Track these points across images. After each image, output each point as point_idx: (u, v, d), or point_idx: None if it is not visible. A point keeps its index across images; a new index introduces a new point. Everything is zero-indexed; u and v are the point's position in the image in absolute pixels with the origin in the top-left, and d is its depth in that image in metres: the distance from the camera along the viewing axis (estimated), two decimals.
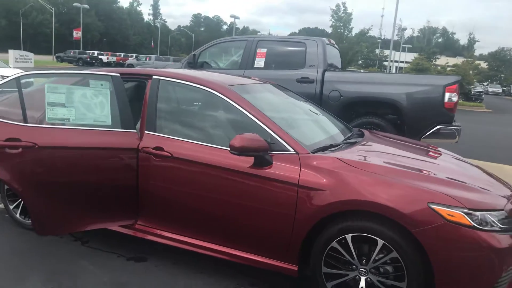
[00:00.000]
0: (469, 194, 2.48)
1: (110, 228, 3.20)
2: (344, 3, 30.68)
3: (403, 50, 64.27)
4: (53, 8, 55.74)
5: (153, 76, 3.25)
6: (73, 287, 2.78)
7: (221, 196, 2.83)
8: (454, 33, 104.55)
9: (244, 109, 2.92)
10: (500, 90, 52.63)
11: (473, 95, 28.11)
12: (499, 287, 2.37)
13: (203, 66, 6.92)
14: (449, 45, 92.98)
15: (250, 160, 2.72)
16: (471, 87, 27.18)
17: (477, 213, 2.35)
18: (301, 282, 2.90)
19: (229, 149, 2.67)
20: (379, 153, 3.10)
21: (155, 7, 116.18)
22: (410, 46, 70.51)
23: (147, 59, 37.99)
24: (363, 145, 3.22)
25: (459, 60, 33.10)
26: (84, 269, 3.01)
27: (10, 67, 15.55)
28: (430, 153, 3.48)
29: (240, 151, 2.62)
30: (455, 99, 5.60)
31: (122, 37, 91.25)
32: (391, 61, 55.14)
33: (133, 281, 2.89)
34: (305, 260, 2.74)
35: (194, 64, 6.84)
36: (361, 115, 6.14)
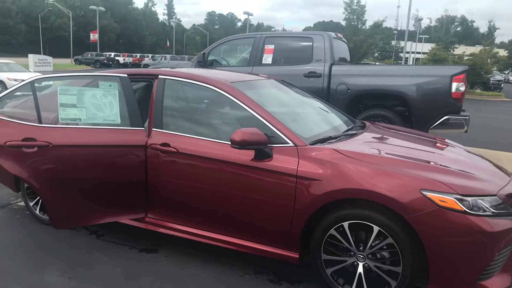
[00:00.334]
0: (461, 181, 2.56)
1: (122, 222, 3.37)
2: None
3: (420, 41, 63.22)
4: (70, 12, 56.86)
5: (159, 76, 3.40)
6: (88, 276, 2.96)
7: (224, 188, 2.97)
8: (473, 21, 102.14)
9: (245, 104, 3.04)
10: None
11: (492, 84, 27.54)
12: (492, 269, 2.44)
13: (212, 64, 7.07)
14: (468, 34, 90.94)
15: (251, 153, 2.85)
16: (489, 76, 26.62)
17: (469, 199, 2.42)
18: (303, 269, 3.02)
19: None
20: (377, 143, 3.19)
21: (170, 7, 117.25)
22: (427, 36, 69.28)
23: (163, 59, 38.46)
24: (362, 136, 3.31)
25: (478, 49, 32.45)
26: (99, 260, 3.19)
27: (30, 71, 16.04)
28: (431, 143, 3.53)
29: (241, 144, 2.75)
30: (462, 89, 5.60)
31: (138, 38, 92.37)
32: (407, 52, 54.29)
33: (144, 271, 3.06)
34: (306, 248, 2.85)
35: (203, 63, 7.00)
36: (369, 107, 6.20)
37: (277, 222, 2.82)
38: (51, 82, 4.19)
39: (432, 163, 2.77)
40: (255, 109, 3.00)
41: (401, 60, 35.20)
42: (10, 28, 69.55)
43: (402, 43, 56.01)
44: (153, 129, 3.26)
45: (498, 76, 30.32)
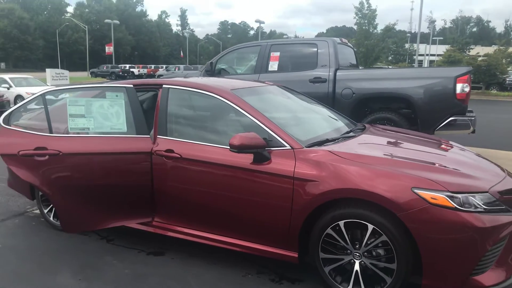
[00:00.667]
0: (453, 178, 2.62)
1: (130, 226, 3.52)
2: (367, 0, 30.48)
3: (434, 43, 62.63)
4: (87, 26, 58.29)
5: (163, 86, 3.56)
6: (98, 278, 3.11)
7: (225, 191, 3.09)
8: (489, 21, 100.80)
9: (244, 110, 3.16)
10: None
11: (508, 84, 27.13)
12: (485, 264, 2.49)
13: (220, 73, 7.24)
14: (485, 34, 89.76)
15: (251, 157, 2.96)
16: (505, 76, 26.24)
17: (459, 196, 2.49)
18: (304, 269, 3.10)
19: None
20: (373, 144, 3.27)
21: (183, 18, 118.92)
22: (442, 38, 68.60)
23: (176, 69, 39.01)
24: (360, 138, 3.39)
25: (494, 49, 32.04)
26: (108, 263, 3.34)
27: (48, 85, 16.51)
28: (428, 143, 3.59)
29: (239, 148, 2.87)
30: (467, 89, 5.63)
31: (152, 49, 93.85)
32: (421, 55, 53.66)
33: (150, 272, 3.19)
34: (305, 247, 2.94)
35: (211, 72, 7.17)
36: (375, 111, 6.27)
37: (276, 223, 2.92)
38: (66, 94, 4.41)
39: (425, 162, 2.85)
40: (254, 115, 3.12)
41: (416, 63, 34.89)
42: (29, 44, 71.48)
43: (416, 46, 55.61)
44: (158, 136, 3.41)
45: None
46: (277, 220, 2.91)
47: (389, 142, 3.44)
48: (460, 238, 2.44)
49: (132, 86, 3.52)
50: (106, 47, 48.37)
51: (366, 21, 31.07)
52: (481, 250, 2.44)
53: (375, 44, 31.56)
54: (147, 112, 3.74)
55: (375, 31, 32.54)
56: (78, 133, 3.39)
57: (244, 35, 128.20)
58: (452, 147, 3.58)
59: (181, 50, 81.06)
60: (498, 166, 3.24)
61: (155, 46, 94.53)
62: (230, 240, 3.17)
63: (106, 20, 52.09)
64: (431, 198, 2.48)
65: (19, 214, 4.46)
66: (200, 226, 3.30)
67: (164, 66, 52.01)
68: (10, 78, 16.41)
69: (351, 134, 3.52)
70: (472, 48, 52.86)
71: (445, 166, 2.82)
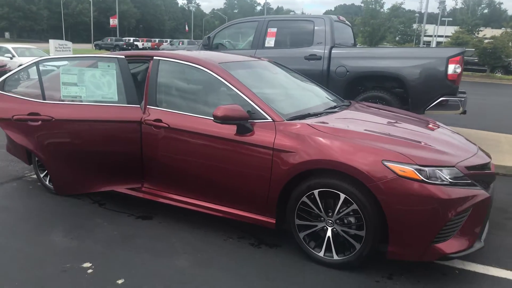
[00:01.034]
0: (422, 153, 2.76)
1: (119, 191, 3.70)
2: None
3: (443, 24, 61.52)
4: None
5: (154, 57, 3.68)
6: (88, 238, 3.30)
7: (210, 160, 3.24)
8: (501, 3, 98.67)
9: (229, 83, 3.29)
10: None
11: None
12: (446, 233, 2.65)
13: (218, 47, 7.31)
14: (496, 16, 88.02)
15: (234, 128, 3.10)
16: (510, 59, 25.97)
17: (426, 169, 2.63)
18: (282, 235, 3.28)
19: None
20: (352, 120, 3.39)
21: None
22: (451, 19, 67.39)
23: (180, 44, 38.80)
24: (341, 114, 3.52)
25: (503, 31, 31.58)
26: (99, 225, 3.53)
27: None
28: (408, 120, 3.70)
29: (222, 119, 3.01)
30: (458, 70, 5.69)
31: (157, 23, 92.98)
32: (430, 36, 52.75)
33: (138, 234, 3.38)
34: (283, 215, 3.11)
35: (209, 46, 7.23)
36: (368, 89, 6.35)
37: (256, 191, 3.09)
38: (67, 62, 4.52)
39: (398, 137, 2.98)
40: (239, 88, 3.25)
41: (424, 44, 34.48)
42: (34, 13, 70.99)
43: (425, 26, 54.63)
44: (147, 106, 3.55)
45: None
46: (257, 188, 3.08)
47: (368, 118, 3.56)
48: (424, 208, 2.59)
49: (123, 57, 3.64)
50: (111, 20, 47.97)
51: (373, 0, 30.61)
52: (442, 220, 2.60)
53: (381, 24, 31.18)
54: (142, 83, 3.86)
55: (382, 10, 32.09)
56: (70, 101, 3.53)
57: (251, 11, 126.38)
58: (430, 124, 3.70)
59: (186, 24, 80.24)
60: (474, 144, 3.38)
61: (160, 19, 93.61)
62: (213, 206, 3.34)
63: None
64: (400, 170, 2.62)
65: (17, 178, 4.66)
66: (185, 192, 3.47)
67: (169, 40, 51.61)
68: (13, 48, 16.46)
69: (335, 109, 3.64)
70: (481, 30, 51.95)
71: (417, 141, 2.95)
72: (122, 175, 3.58)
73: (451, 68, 5.66)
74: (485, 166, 3.03)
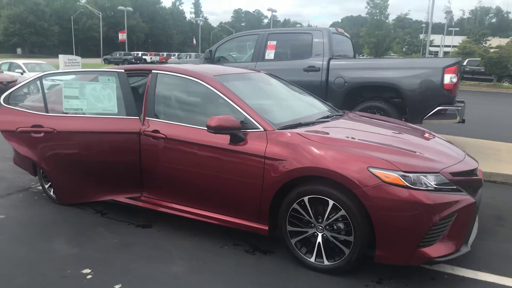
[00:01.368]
0: (407, 159, 2.85)
1: (119, 200, 3.83)
2: None
3: (450, 34, 61.46)
4: (100, 13, 58.74)
5: (152, 71, 3.83)
6: (89, 245, 3.42)
7: (205, 169, 3.36)
8: (509, 12, 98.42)
9: (223, 94, 3.42)
10: None
11: None
12: (431, 237, 2.73)
13: (220, 60, 7.48)
14: (504, 26, 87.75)
15: (228, 138, 3.22)
16: None
17: (411, 175, 2.72)
18: (276, 242, 3.37)
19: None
20: (343, 129, 3.50)
21: (197, 5, 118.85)
22: (458, 29, 67.39)
23: (188, 57, 39.34)
24: (333, 123, 3.63)
25: (510, 40, 31.48)
26: (100, 234, 3.65)
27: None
28: (399, 129, 3.79)
29: (215, 129, 3.13)
30: (454, 80, 5.78)
31: (165, 37, 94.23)
32: (437, 46, 52.65)
33: (136, 242, 3.49)
34: (275, 222, 3.21)
35: (211, 59, 7.41)
36: (367, 99, 6.45)
37: (249, 198, 3.19)
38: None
39: (385, 145, 3.07)
40: (232, 99, 3.38)
41: (431, 54, 34.50)
42: (45, 30, 72.43)
43: (431, 37, 54.59)
44: (146, 117, 3.69)
45: None
46: (250, 196, 3.18)
47: (359, 127, 3.66)
48: (409, 213, 2.67)
49: (123, 71, 3.80)
50: (119, 34, 48.78)
51: (377, 11, 30.82)
52: (427, 225, 2.67)
53: (386, 35, 31.33)
54: (143, 96, 4.02)
55: (387, 21, 32.27)
56: (72, 113, 3.69)
57: (258, 24, 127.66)
58: (419, 132, 3.79)
59: (194, 38, 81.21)
60: (462, 151, 3.46)
61: (169, 33, 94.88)
62: (208, 214, 3.45)
63: (120, 7, 52.42)
64: (385, 176, 2.71)
65: (23, 189, 4.81)
66: (182, 201, 3.59)
67: (176, 54, 52.33)
68: (23, 64, 16.92)
69: (327, 119, 3.75)
70: (488, 40, 51.74)
71: (403, 148, 3.05)
72: (122, 185, 3.71)
73: (447, 78, 5.75)
74: (471, 172, 3.11)
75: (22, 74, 15.91)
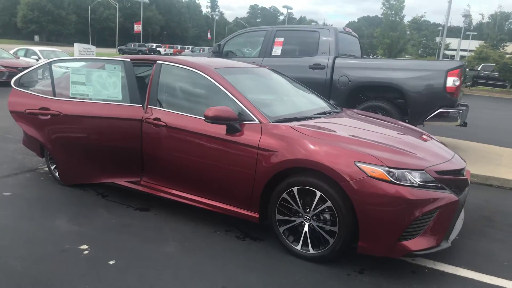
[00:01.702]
0: (393, 156, 2.96)
1: (119, 183, 4.00)
2: None
3: (467, 38, 60.68)
4: (117, 4, 59.18)
5: (157, 61, 3.98)
6: (88, 224, 3.60)
7: (202, 157, 3.51)
8: None
9: (222, 86, 3.56)
10: None
11: None
12: (412, 231, 2.83)
13: (228, 55, 7.62)
14: None
15: (225, 128, 3.36)
16: None
17: (395, 171, 2.83)
18: (266, 230, 3.50)
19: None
20: (336, 125, 3.60)
21: (213, 0, 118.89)
22: (475, 33, 66.49)
23: (201, 51, 39.52)
24: (328, 119, 3.75)
25: None
26: (100, 214, 3.83)
27: None
28: (393, 128, 3.88)
29: (212, 119, 3.27)
30: (457, 83, 5.83)
31: (181, 30, 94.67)
32: (452, 49, 51.95)
33: (133, 223, 3.66)
34: (266, 211, 3.34)
35: (219, 53, 7.55)
36: (370, 99, 6.53)
37: (242, 187, 3.33)
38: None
39: (375, 142, 3.18)
40: (231, 91, 3.51)
41: (447, 58, 34.20)
42: (62, 18, 73.35)
43: (448, 40, 53.90)
44: (149, 106, 3.84)
45: None
46: (242, 184, 3.32)
47: (352, 124, 3.77)
48: (392, 207, 2.78)
49: (129, 60, 3.95)
50: (135, 25, 49.17)
51: (393, 12, 30.64)
52: (408, 219, 2.78)
53: (400, 36, 31.15)
54: (147, 85, 4.17)
55: (403, 22, 32.05)
56: (78, 99, 3.87)
57: (274, 20, 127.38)
58: (411, 132, 3.88)
59: (209, 32, 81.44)
60: (451, 151, 3.55)
61: (184, 26, 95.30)
62: (203, 200, 3.60)
63: None
64: (371, 171, 2.83)
65: (31, 170, 5.02)
66: (179, 187, 3.74)
67: (191, 47, 52.62)
68: (39, 51, 17.25)
69: (323, 115, 3.87)
70: (506, 45, 50.98)
71: (392, 146, 3.15)
72: (123, 168, 3.88)
73: (450, 81, 5.81)
74: (457, 171, 3.21)
75: (37, 60, 16.22)
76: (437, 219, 2.89)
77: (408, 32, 33.61)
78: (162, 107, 3.80)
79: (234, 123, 3.32)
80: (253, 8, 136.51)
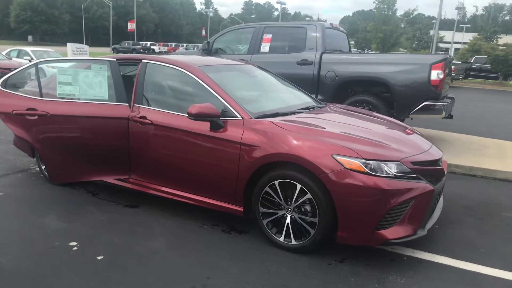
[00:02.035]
0: (370, 148, 3.06)
1: (108, 181, 4.10)
2: None
3: (461, 30, 60.85)
4: (111, 2, 59.01)
5: (142, 60, 4.06)
6: (77, 221, 3.69)
7: (187, 154, 3.59)
8: None
9: (206, 84, 3.65)
10: None
11: None
12: (389, 220, 2.94)
13: (217, 52, 7.69)
14: None
15: (208, 124, 3.45)
16: None
17: (371, 163, 2.93)
18: (251, 224, 3.60)
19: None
20: (317, 119, 3.70)
21: None
22: (469, 25, 66.68)
23: (195, 48, 39.47)
24: (310, 114, 3.84)
25: None
26: (89, 212, 3.92)
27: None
28: (374, 121, 3.99)
29: (196, 116, 3.36)
30: (441, 76, 5.93)
31: (175, 27, 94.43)
32: (446, 42, 52.14)
33: (123, 220, 3.75)
34: (250, 205, 3.44)
35: (208, 51, 7.62)
36: (357, 93, 6.63)
37: (226, 181, 3.43)
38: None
39: (353, 135, 3.28)
40: (214, 88, 3.60)
41: (440, 51, 34.33)
42: (56, 18, 73.05)
43: (441, 33, 54.06)
44: (135, 104, 3.93)
45: None
46: (226, 179, 3.41)
47: (333, 118, 3.86)
48: (368, 197, 2.89)
49: (115, 60, 4.03)
50: (129, 24, 49.09)
51: (385, 6, 30.73)
52: (384, 209, 2.89)
53: (393, 30, 31.24)
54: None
55: (395, 16, 32.14)
56: (64, 98, 3.95)
57: (268, 16, 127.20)
58: (392, 125, 3.98)
59: (203, 29, 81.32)
60: (429, 142, 3.65)
61: (178, 24, 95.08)
62: (189, 195, 3.69)
63: None
64: (347, 163, 2.93)
65: (22, 170, 5.09)
66: (167, 183, 3.83)
67: (185, 44, 52.56)
68: (32, 51, 17.28)
69: (305, 110, 3.96)
70: (500, 37, 51.14)
71: (369, 139, 3.24)
72: (111, 166, 3.97)
73: (434, 74, 5.91)
74: (434, 162, 3.31)
75: (30, 61, 16.24)
76: (413, 208, 3.00)
77: (402, 26, 33.69)
78: (148, 106, 3.88)
79: (217, 119, 3.41)
80: (248, 4, 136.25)
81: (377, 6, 31.19)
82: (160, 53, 44.90)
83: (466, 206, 4.40)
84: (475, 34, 43.41)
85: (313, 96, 6.26)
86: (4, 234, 3.42)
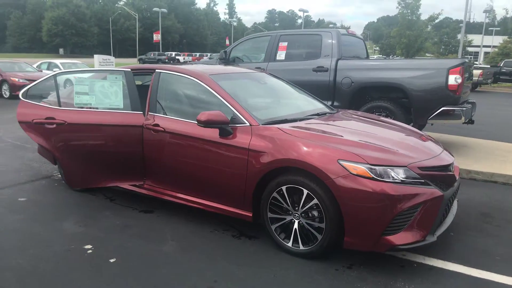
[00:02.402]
0: (376, 154, 3.05)
1: (123, 187, 4.22)
2: None
3: (490, 34, 59.29)
4: (137, 14, 60.61)
5: (156, 70, 4.19)
6: (94, 226, 3.82)
7: (197, 160, 3.68)
8: None
9: (216, 92, 3.73)
10: None
11: None
12: (396, 226, 2.91)
13: (234, 61, 7.80)
14: None
15: (218, 131, 3.53)
16: None
17: (377, 168, 2.92)
18: (261, 229, 3.64)
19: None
20: (326, 125, 3.71)
21: (231, 6, 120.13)
22: (499, 28, 65.01)
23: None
24: (319, 120, 3.86)
25: None
26: (105, 216, 4.04)
27: None
28: (382, 126, 3.97)
29: (205, 123, 3.44)
30: (459, 81, 5.83)
31: (200, 37, 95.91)
32: (475, 46, 50.85)
33: (137, 224, 3.86)
34: (259, 210, 3.48)
35: (225, 60, 7.75)
36: (374, 99, 6.59)
37: (235, 187, 3.48)
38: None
39: (360, 140, 3.28)
40: (223, 96, 3.68)
41: (469, 55, 33.57)
42: (85, 31, 75.64)
43: (470, 37, 52.79)
44: (149, 112, 4.05)
45: None
46: (235, 185, 3.47)
47: (342, 124, 3.87)
48: (374, 203, 2.88)
49: (130, 70, 4.18)
50: (154, 35, 50.21)
51: (409, 11, 30.31)
52: (391, 214, 2.87)
53: (418, 35, 30.75)
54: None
55: (419, 20, 31.63)
56: (81, 107, 4.12)
57: (292, 24, 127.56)
58: (402, 130, 3.95)
59: (227, 38, 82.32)
60: (441, 148, 3.60)
61: (203, 34, 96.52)
62: (201, 201, 3.77)
63: (155, 9, 53.93)
64: (353, 168, 2.93)
65: (46, 177, 5.31)
66: (179, 189, 3.92)
67: (209, 54, 53.36)
68: (61, 63, 17.93)
69: (315, 116, 3.98)
70: None
71: (376, 144, 3.24)
72: (126, 173, 4.10)
73: (451, 79, 5.81)
74: (444, 167, 3.27)
75: None
76: (422, 214, 2.96)
77: (429, 29, 33.15)
78: (161, 114, 4.00)
79: (226, 126, 3.48)
80: (271, 12, 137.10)
81: (400, 11, 30.84)
82: (185, 62, 45.73)
83: (484, 213, 4.30)
84: (505, 37, 42.28)
85: (329, 102, 6.31)
86: (25, 237, 3.58)
